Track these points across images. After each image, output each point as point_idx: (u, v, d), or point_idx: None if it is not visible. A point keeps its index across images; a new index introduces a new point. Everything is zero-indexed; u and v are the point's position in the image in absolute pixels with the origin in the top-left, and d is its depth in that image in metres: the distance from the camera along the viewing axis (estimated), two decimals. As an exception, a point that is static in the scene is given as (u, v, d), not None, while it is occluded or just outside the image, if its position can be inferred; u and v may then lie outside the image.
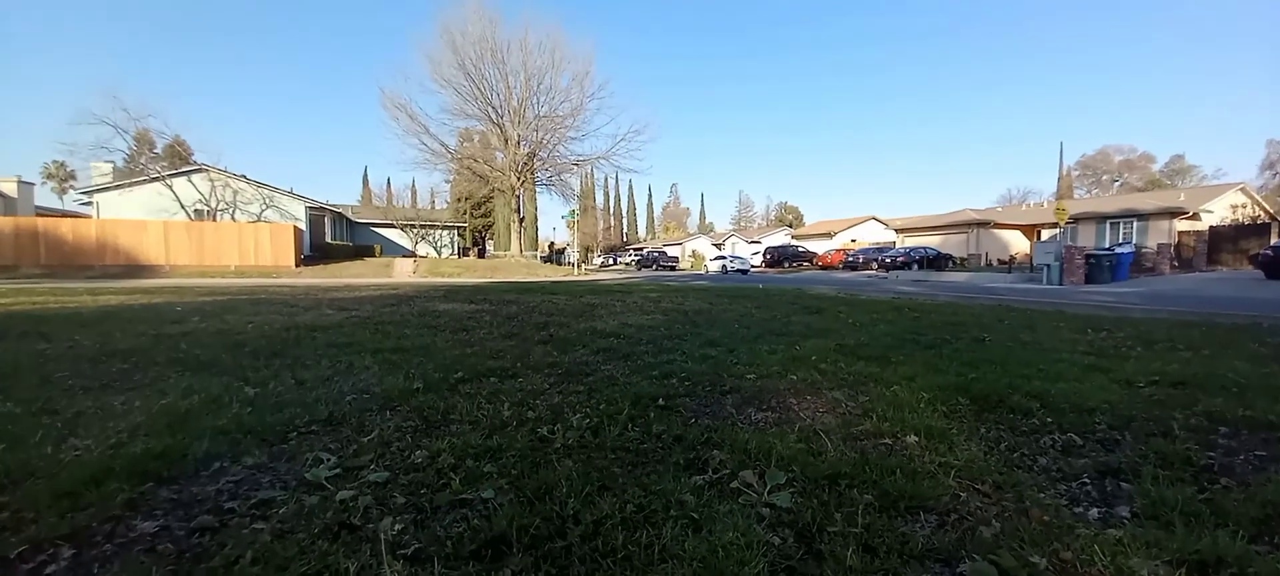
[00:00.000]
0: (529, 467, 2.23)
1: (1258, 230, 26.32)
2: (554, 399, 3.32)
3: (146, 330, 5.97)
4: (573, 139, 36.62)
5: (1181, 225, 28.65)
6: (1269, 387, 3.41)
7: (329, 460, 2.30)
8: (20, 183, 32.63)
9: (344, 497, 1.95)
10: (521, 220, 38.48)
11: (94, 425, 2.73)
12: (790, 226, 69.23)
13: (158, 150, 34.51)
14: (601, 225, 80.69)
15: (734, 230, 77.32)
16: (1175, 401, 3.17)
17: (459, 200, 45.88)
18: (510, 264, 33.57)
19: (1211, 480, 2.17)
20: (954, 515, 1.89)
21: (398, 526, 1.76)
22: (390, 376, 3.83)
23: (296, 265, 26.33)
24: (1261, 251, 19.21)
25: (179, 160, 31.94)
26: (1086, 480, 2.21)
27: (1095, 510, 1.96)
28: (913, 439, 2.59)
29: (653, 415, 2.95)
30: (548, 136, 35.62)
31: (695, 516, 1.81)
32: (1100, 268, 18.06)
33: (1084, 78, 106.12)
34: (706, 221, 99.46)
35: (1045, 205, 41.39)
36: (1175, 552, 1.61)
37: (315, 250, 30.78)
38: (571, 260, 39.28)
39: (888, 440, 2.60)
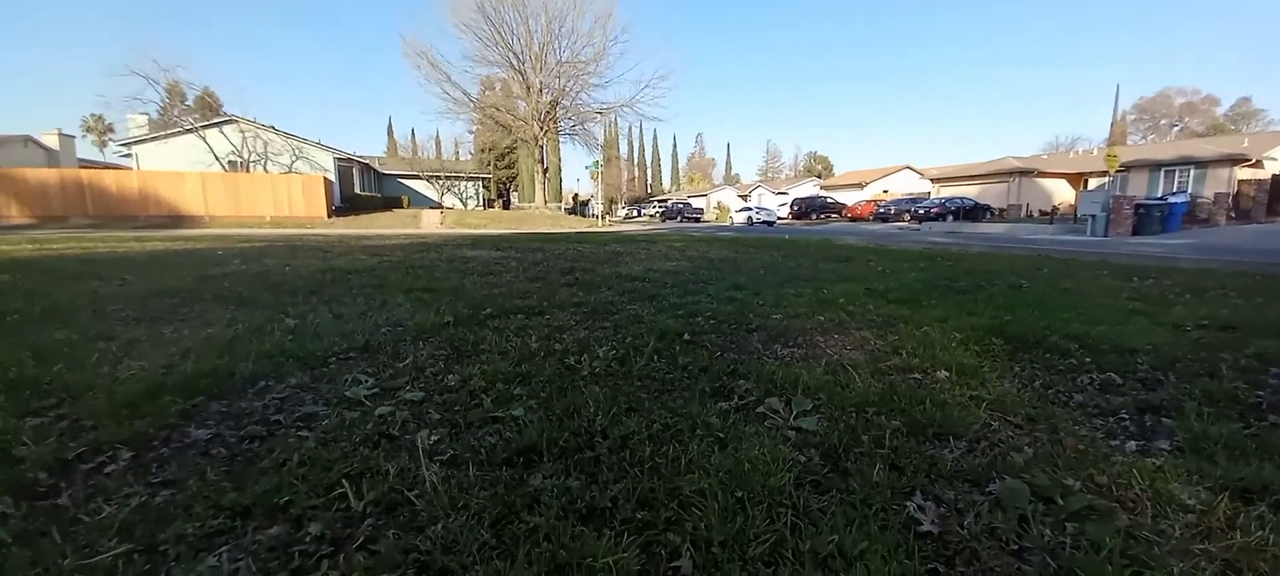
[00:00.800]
0: (557, 392, 2.28)
1: (1327, 179, 24.51)
2: (580, 334, 3.36)
3: (191, 271, 6.22)
4: (595, 86, 35.82)
5: (1242, 173, 26.81)
6: (1328, 332, 3.23)
7: (367, 381, 2.39)
8: (61, 135, 33.66)
9: (382, 413, 2.03)
10: (545, 171, 38.26)
11: (147, 350, 2.89)
12: (819, 177, 67.28)
13: (188, 102, 35.11)
14: (625, 176, 79.78)
15: (761, 181, 75.60)
16: (1224, 344, 3.04)
17: (483, 151, 45.72)
18: (535, 215, 33.67)
19: (1259, 417, 2.09)
20: (984, 443, 1.87)
21: (434, 437, 1.83)
22: (422, 312, 3.93)
23: (328, 216, 26.89)
24: (1329, 202, 17.94)
25: (210, 112, 32.46)
26: (1125, 415, 2.15)
27: (1133, 443, 1.92)
28: (943, 374, 2.55)
29: (678, 348, 2.96)
30: (570, 83, 34.92)
31: (721, 436, 1.83)
32: (1150, 218, 17.12)
33: (1148, 14, 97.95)
34: (732, 172, 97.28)
35: (1095, 153, 39.11)
36: (1217, 480, 1.57)
37: (345, 201, 31.31)
38: (595, 212, 39.10)
39: (917, 375, 2.57)
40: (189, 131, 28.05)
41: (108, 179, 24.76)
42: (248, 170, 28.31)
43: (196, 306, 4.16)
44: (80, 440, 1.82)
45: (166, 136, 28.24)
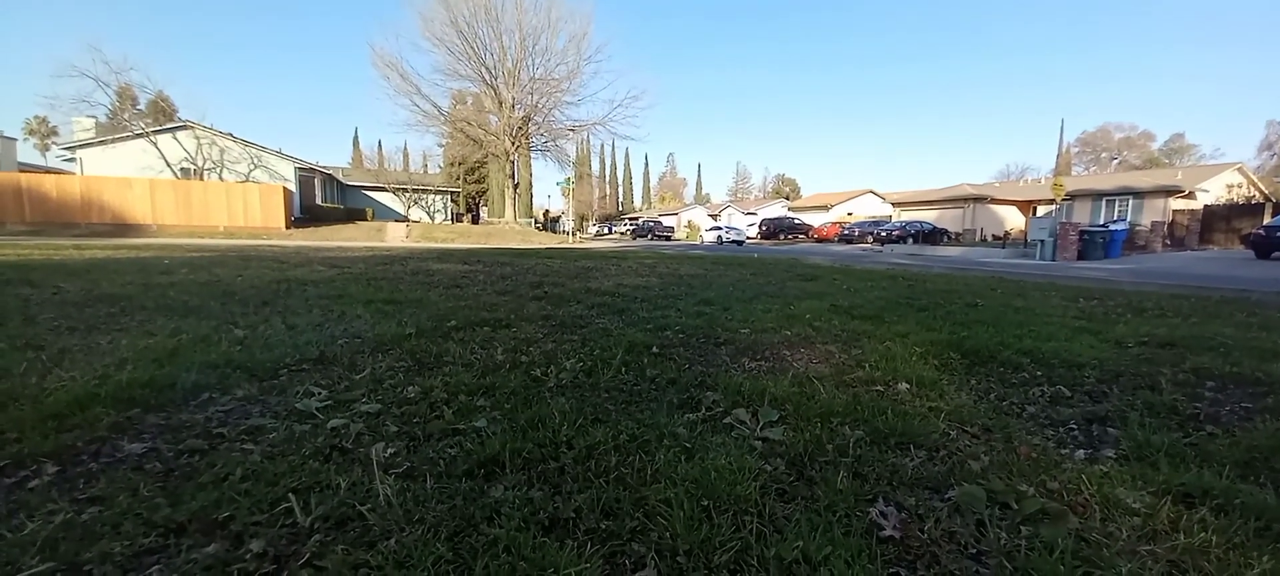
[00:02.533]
0: (521, 403, 2.23)
1: (1251, 210, 26.40)
2: (547, 346, 3.31)
3: (134, 279, 5.89)
4: (569, 104, 35.86)
5: (1177, 204, 28.71)
6: (1256, 349, 3.44)
7: (320, 394, 2.29)
8: (2, 138, 31.79)
9: (335, 425, 1.94)
10: (516, 186, 37.96)
11: (80, 359, 2.70)
12: (787, 199, 68.93)
13: (140, 106, 33.56)
14: (597, 193, 79.98)
15: (730, 201, 76.90)
16: (1163, 359, 3.20)
17: (452, 165, 45.16)
18: (504, 230, 33.29)
19: (1197, 427, 2.20)
20: (943, 451, 1.90)
21: (390, 450, 1.76)
22: (383, 323, 3.80)
23: (287, 227, 25.97)
24: (1253, 231, 19.31)
25: (163, 116, 31.04)
26: (1073, 425, 2.23)
27: (1081, 451, 1.98)
28: (904, 386, 2.60)
29: (646, 361, 2.95)
30: (543, 100, 34.90)
31: (688, 446, 1.81)
32: (1094, 244, 18.10)
33: (1089, 54, 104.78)
34: (703, 192, 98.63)
35: (1043, 181, 41.34)
36: (1161, 485, 1.64)
37: (305, 212, 30.34)
38: (566, 228, 39.01)
39: (879, 387, 2.61)
40: (139, 136, 26.76)
41: (48, 183, 23.38)
42: (202, 178, 27.18)
43: (137, 315, 3.93)
44: (2, 453, 1.68)
45: (113, 141, 26.88)
